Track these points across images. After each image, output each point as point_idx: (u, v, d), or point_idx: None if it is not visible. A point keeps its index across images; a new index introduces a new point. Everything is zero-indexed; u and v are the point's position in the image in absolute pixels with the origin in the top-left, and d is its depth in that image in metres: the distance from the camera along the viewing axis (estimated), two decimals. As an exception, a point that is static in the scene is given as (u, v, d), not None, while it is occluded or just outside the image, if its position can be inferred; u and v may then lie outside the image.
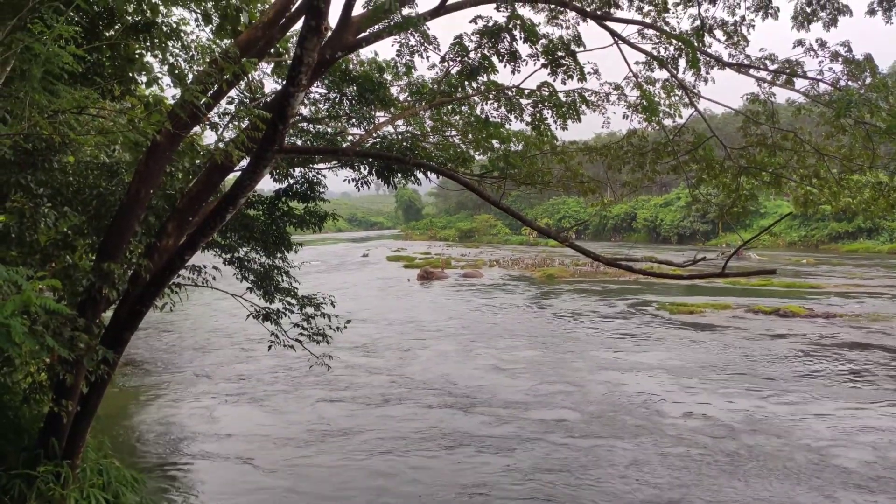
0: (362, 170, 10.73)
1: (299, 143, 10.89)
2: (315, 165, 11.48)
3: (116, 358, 7.68)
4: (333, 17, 7.05)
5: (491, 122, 10.67)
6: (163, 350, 24.43)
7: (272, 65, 10.79)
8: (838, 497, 11.45)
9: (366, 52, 11.15)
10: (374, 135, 10.73)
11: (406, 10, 8.30)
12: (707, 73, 10.36)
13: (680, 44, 9.85)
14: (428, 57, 9.86)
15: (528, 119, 10.57)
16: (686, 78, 10.50)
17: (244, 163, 7.88)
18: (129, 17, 8.23)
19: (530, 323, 29.66)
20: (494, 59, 9.85)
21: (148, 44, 8.32)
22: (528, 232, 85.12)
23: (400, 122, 11.23)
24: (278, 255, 11.69)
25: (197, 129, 10.09)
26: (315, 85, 10.32)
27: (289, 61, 8.76)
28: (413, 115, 11.08)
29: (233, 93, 10.02)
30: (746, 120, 11.03)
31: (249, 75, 9.76)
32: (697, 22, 10.24)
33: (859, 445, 13.82)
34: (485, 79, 10.25)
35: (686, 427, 15.05)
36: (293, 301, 11.65)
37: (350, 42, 8.10)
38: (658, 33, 10.10)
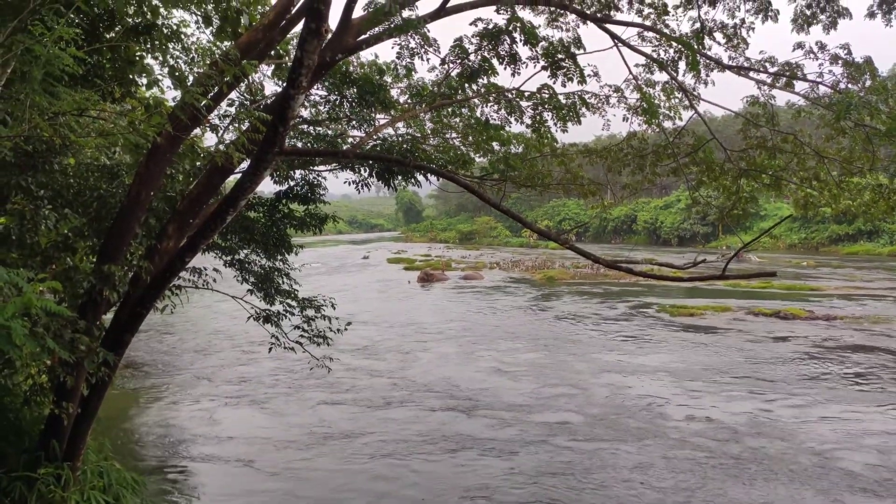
0: (362, 172, 10.74)
1: (299, 145, 10.90)
2: (315, 167, 11.49)
3: (117, 360, 7.68)
4: (334, 20, 7.07)
5: (491, 124, 10.68)
6: (163, 352, 24.43)
7: (272, 67, 10.80)
8: (845, 501, 11.39)
9: (366, 55, 11.17)
10: (375, 137, 10.74)
11: (406, 13, 8.32)
12: (707, 75, 10.38)
13: (680, 46, 9.87)
14: (428, 59, 9.89)
15: (528, 121, 10.59)
16: (686, 80, 10.52)
17: (244, 165, 7.88)
18: (130, 20, 8.25)
19: (531, 325, 29.65)
20: (494, 61, 9.87)
21: (148, 46, 8.34)
22: (529, 234, 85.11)
23: (400, 125, 11.24)
24: (279, 257, 11.70)
25: (197, 131, 10.10)
26: (315, 87, 10.33)
27: (289, 63, 8.77)
28: (413, 118, 11.09)
29: (233, 95, 10.03)
30: (746, 122, 11.04)
31: (250, 77, 9.77)
32: (697, 24, 10.26)
33: (864, 448, 13.75)
34: (485, 81, 10.26)
35: (689, 430, 15.01)
36: (294, 303, 11.65)
37: (350, 44, 8.11)
38: (658, 36, 10.12)
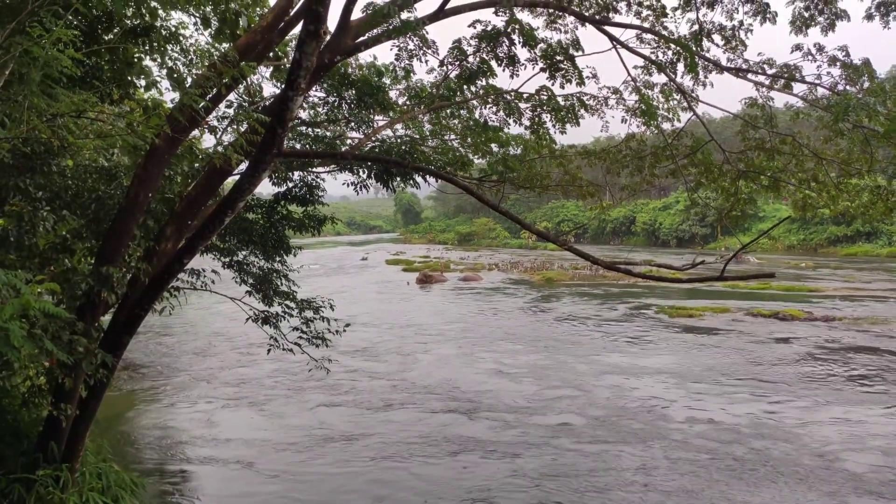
0: (361, 173, 10.73)
1: (298, 146, 10.90)
2: (314, 169, 11.48)
3: (115, 361, 7.67)
4: (332, 22, 7.07)
5: (490, 125, 10.69)
6: (162, 354, 24.40)
7: (271, 69, 10.81)
8: (851, 503, 11.33)
9: (365, 56, 11.18)
10: (373, 138, 10.75)
11: (405, 15, 8.33)
12: (705, 77, 10.39)
13: (678, 48, 9.89)
14: (427, 61, 9.90)
15: (527, 123, 10.61)
16: (684, 82, 10.54)
17: (243, 166, 7.88)
18: (128, 21, 8.25)
19: (531, 326, 29.64)
20: (493, 63, 9.89)
21: (147, 48, 8.34)
22: (527, 235, 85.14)
23: (399, 126, 11.25)
24: (277, 258, 11.69)
25: (196, 132, 10.09)
26: (314, 89, 10.33)
27: (287, 65, 8.77)
28: (412, 119, 11.10)
29: (232, 96, 10.03)
30: (745, 124, 11.06)
31: (248, 79, 9.76)
32: (696, 26, 10.28)
33: (868, 450, 13.68)
34: (483, 83, 10.28)
35: (692, 432, 14.95)
36: (292, 304, 11.64)
37: (349, 46, 8.12)
38: (656, 38, 10.13)
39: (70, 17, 6.46)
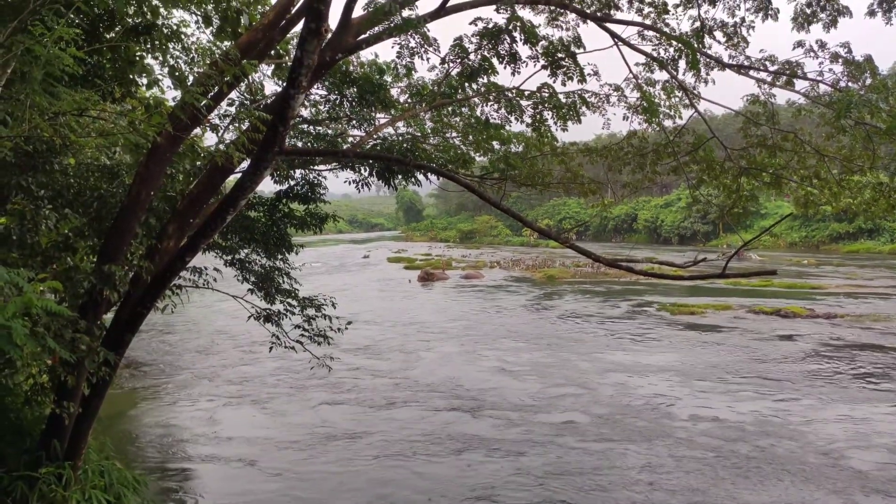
0: (363, 171, 10.74)
1: (300, 144, 10.90)
2: (315, 167, 11.49)
3: (118, 359, 7.68)
4: (333, 19, 7.07)
5: (491, 123, 10.68)
6: (165, 352, 24.44)
7: (272, 67, 10.80)
8: (859, 501, 11.28)
9: (366, 54, 11.18)
10: (375, 136, 10.74)
11: (406, 12, 8.33)
12: (707, 74, 10.38)
13: (680, 45, 9.87)
14: (428, 58, 9.90)
15: (529, 120, 10.60)
16: (686, 79, 10.53)
17: (245, 164, 7.89)
18: (130, 20, 8.25)
19: (533, 324, 29.64)
20: (494, 60, 9.88)
21: (148, 46, 8.34)
22: (529, 233, 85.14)
23: (400, 124, 11.25)
24: (279, 256, 11.69)
25: (197, 130, 10.11)
26: (315, 87, 10.33)
27: (289, 63, 8.78)
28: (413, 117, 11.09)
29: (233, 95, 10.03)
30: (747, 121, 11.04)
31: (250, 77, 9.77)
32: (697, 23, 10.26)
33: (874, 448, 13.65)
34: (485, 80, 10.27)
35: (697, 430, 14.91)
36: (294, 302, 11.64)
37: (350, 44, 8.11)
38: (658, 35, 10.12)
39: (72, 16, 6.47)
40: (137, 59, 8.40)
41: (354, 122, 11.38)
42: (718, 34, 10.26)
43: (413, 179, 10.76)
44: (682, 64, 10.16)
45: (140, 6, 8.27)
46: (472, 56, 9.93)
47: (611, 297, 37.40)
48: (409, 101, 11.39)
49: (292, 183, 11.59)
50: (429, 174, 10.05)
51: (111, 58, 8.24)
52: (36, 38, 5.05)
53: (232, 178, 9.05)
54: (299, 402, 17.67)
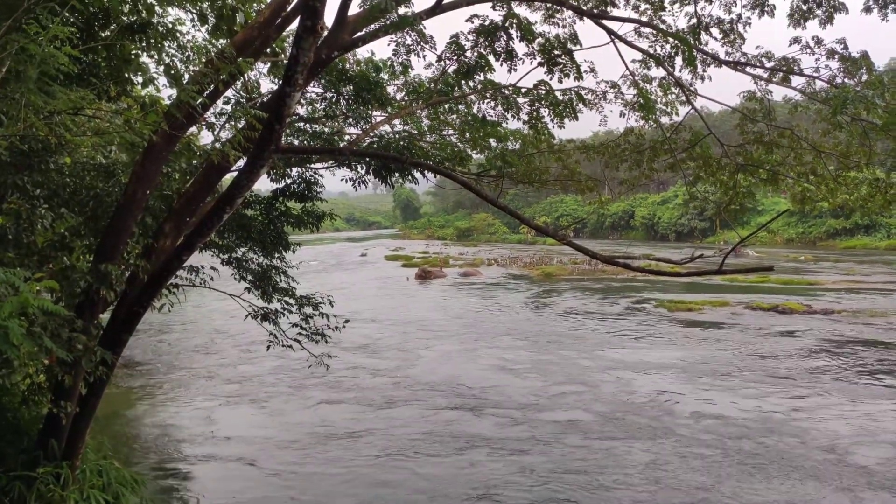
0: (359, 169, 10.71)
1: (296, 142, 10.88)
2: (312, 165, 11.47)
3: (115, 359, 7.67)
4: (329, 17, 7.05)
5: (488, 120, 10.67)
6: (162, 351, 24.41)
7: (268, 64, 10.78)
8: (865, 498, 11.22)
9: (362, 52, 11.14)
10: (371, 134, 10.73)
11: (402, 10, 8.31)
12: (704, 71, 10.38)
13: (676, 42, 9.87)
14: (424, 56, 9.89)
15: (525, 118, 10.58)
16: (683, 76, 10.52)
17: (241, 163, 7.87)
18: (125, 18, 8.21)
19: (532, 322, 29.65)
20: (491, 57, 9.87)
21: (144, 44, 8.30)
22: (527, 230, 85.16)
23: (397, 122, 11.23)
24: (276, 255, 11.67)
25: (193, 129, 10.08)
26: (311, 84, 10.30)
27: (285, 61, 8.76)
28: (410, 115, 11.08)
29: (229, 93, 10.02)
30: (743, 117, 11.04)
31: (246, 75, 9.74)
32: (694, 20, 10.26)
33: (879, 444, 13.61)
34: (481, 78, 10.26)
35: (701, 427, 14.87)
36: (291, 301, 11.63)
37: (346, 41, 8.10)
38: (654, 31, 10.12)
39: (66, 14, 6.43)
40: (133, 57, 8.36)
41: (351, 119, 11.36)
42: (715, 31, 10.27)
43: (410, 177, 10.75)
44: (678, 61, 10.16)
45: (135, 4, 8.25)
46: (468, 53, 9.92)
47: (609, 294, 37.43)
48: (406, 98, 11.37)
49: (289, 181, 11.56)
50: (426, 172, 10.05)
51: (106, 56, 8.20)
52: (31, 36, 5.03)
53: (228, 177, 9.04)
54: (298, 401, 17.64)
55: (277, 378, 19.74)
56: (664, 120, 11.06)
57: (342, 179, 11.14)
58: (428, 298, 38.32)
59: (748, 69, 10.25)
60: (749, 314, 29.53)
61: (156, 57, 8.64)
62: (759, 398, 17.02)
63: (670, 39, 9.98)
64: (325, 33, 7.62)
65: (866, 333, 24.81)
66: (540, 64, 9.98)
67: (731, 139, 11.79)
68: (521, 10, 9.77)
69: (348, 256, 70.18)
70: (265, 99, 10.19)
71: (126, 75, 8.54)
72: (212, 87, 7.75)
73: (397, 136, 11.01)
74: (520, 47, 9.73)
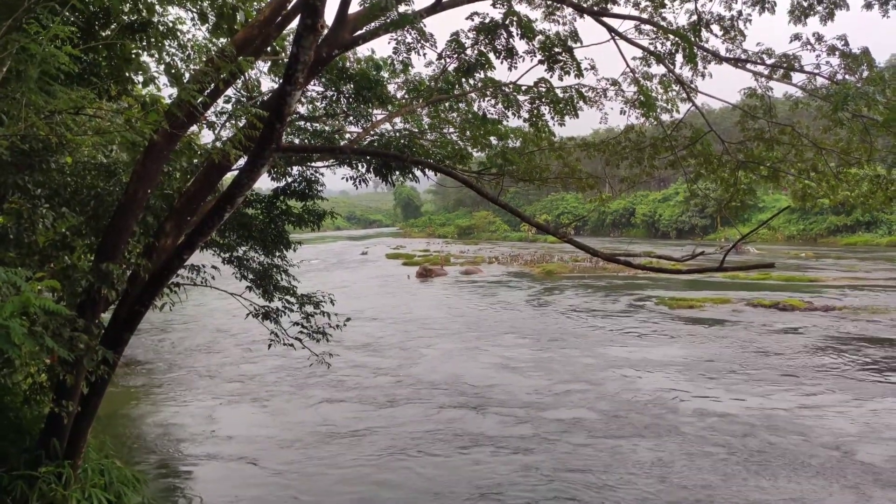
0: (360, 168, 10.72)
1: (297, 141, 10.89)
2: (313, 164, 11.47)
3: (116, 358, 7.68)
4: (330, 15, 7.05)
5: (488, 118, 10.67)
6: (164, 350, 24.43)
7: (269, 63, 10.78)
8: (874, 497, 11.15)
9: (362, 50, 11.15)
10: (372, 132, 10.73)
11: (402, 8, 8.32)
12: (704, 68, 10.37)
13: (677, 39, 9.86)
14: (425, 54, 9.90)
15: (526, 115, 10.58)
16: (683, 73, 10.52)
17: (242, 162, 7.88)
18: (125, 17, 8.22)
19: (534, 319, 29.64)
20: (491, 55, 9.86)
21: (144, 43, 8.31)
22: (527, 228, 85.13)
23: (397, 120, 11.23)
24: (277, 253, 11.68)
25: (194, 128, 10.08)
26: (312, 83, 10.31)
27: (285, 59, 8.76)
28: (410, 113, 11.08)
29: (230, 92, 10.01)
30: (744, 114, 11.04)
31: (246, 74, 9.74)
32: (694, 17, 10.26)
33: (885, 441, 13.57)
34: (482, 75, 10.25)
35: (705, 425, 14.83)
36: (293, 299, 11.64)
37: (347, 40, 8.10)
38: (655, 29, 10.11)
39: (67, 14, 6.43)
40: (133, 56, 8.37)
41: (351, 118, 11.36)
42: (715, 28, 10.26)
43: (411, 175, 10.74)
44: (679, 58, 10.16)
45: (135, 3, 8.25)
46: (468, 51, 9.91)
47: (610, 291, 37.42)
48: (406, 96, 11.37)
49: (289, 180, 11.56)
50: (426, 170, 10.04)
51: (107, 55, 8.21)
52: (31, 36, 5.03)
53: (229, 176, 9.04)
54: (300, 399, 17.64)
55: (279, 377, 19.74)
56: (665, 117, 11.07)
57: (343, 178, 11.15)
58: (429, 297, 38.32)
59: (749, 66, 10.25)
60: (750, 311, 29.51)
61: (156, 56, 8.65)
62: (763, 395, 16.98)
63: (671, 36, 9.97)
64: (326, 32, 7.62)
65: (869, 330, 24.78)
66: (540, 61, 9.98)
67: (731, 136, 11.79)
68: (522, 8, 9.76)
69: (349, 255, 70.17)
70: (266, 97, 10.19)
71: (127, 74, 8.54)
72: (212, 85, 7.75)
73: (398, 134, 11.01)
74: (520, 45, 9.73)
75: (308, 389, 18.44)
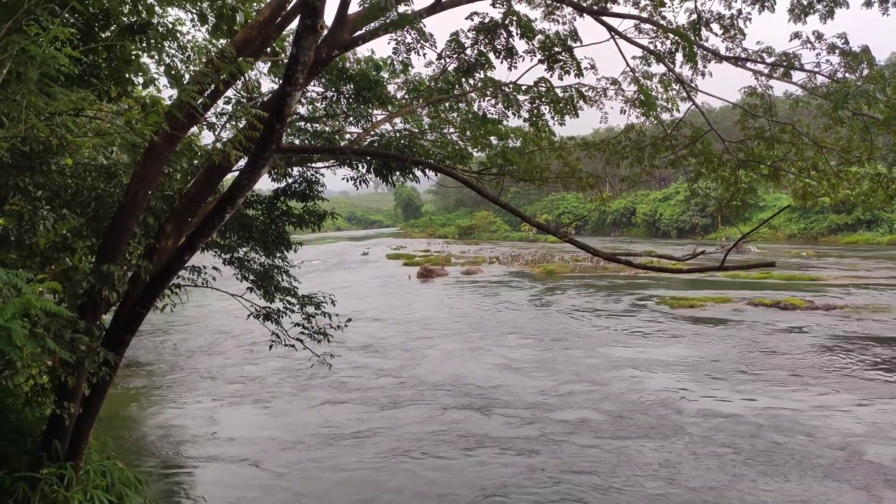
0: (360, 168, 10.71)
1: (297, 142, 10.89)
2: (313, 164, 11.47)
3: (118, 359, 7.68)
4: (329, 16, 7.05)
5: (488, 118, 10.67)
6: (165, 351, 24.43)
7: (269, 64, 10.78)
8: (885, 497, 11.08)
9: (362, 50, 11.15)
10: (372, 133, 10.73)
11: (402, 8, 8.32)
12: (704, 66, 10.37)
13: (677, 38, 9.86)
14: (425, 54, 9.90)
15: (526, 115, 10.58)
16: (683, 72, 10.51)
17: (242, 162, 7.87)
18: (125, 18, 8.22)
19: (535, 320, 29.61)
20: (491, 55, 9.87)
21: (144, 45, 8.31)
22: (528, 228, 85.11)
23: (398, 120, 11.23)
24: (278, 254, 11.68)
25: (194, 129, 10.08)
26: (312, 84, 10.31)
27: (285, 60, 8.76)
28: (411, 113, 11.08)
29: (230, 93, 10.02)
30: (744, 113, 11.03)
31: (246, 75, 9.75)
32: (694, 16, 10.25)
33: (892, 441, 13.50)
34: (482, 75, 10.25)
35: (711, 425, 14.77)
36: (293, 300, 11.64)
37: (346, 40, 8.10)
38: (655, 28, 10.10)
39: (67, 15, 6.44)
40: (133, 58, 8.37)
41: (351, 118, 11.36)
42: (715, 26, 10.25)
43: (411, 176, 10.74)
44: (679, 57, 10.15)
45: (135, 5, 8.25)
46: (468, 51, 9.91)
47: (611, 291, 37.41)
48: (406, 97, 11.37)
49: (290, 180, 11.56)
50: (427, 170, 10.04)
51: (107, 57, 8.21)
52: (31, 38, 5.04)
53: (229, 177, 9.04)
54: (302, 401, 17.61)
55: (280, 378, 19.72)
56: (665, 116, 11.06)
57: (343, 178, 11.15)
58: (430, 297, 38.31)
59: (749, 65, 10.24)
60: (752, 310, 29.49)
61: (156, 57, 8.65)
62: (770, 395, 16.92)
63: (671, 35, 9.96)
64: (326, 32, 7.62)
65: (873, 329, 24.73)
66: (540, 61, 9.97)
67: (732, 135, 11.77)
68: (521, 8, 9.76)
69: (350, 255, 70.16)
70: (266, 98, 10.19)
71: (127, 76, 8.55)
72: (212, 87, 7.76)
73: (398, 134, 11.01)
74: (520, 45, 9.73)
75: (310, 391, 18.42)
